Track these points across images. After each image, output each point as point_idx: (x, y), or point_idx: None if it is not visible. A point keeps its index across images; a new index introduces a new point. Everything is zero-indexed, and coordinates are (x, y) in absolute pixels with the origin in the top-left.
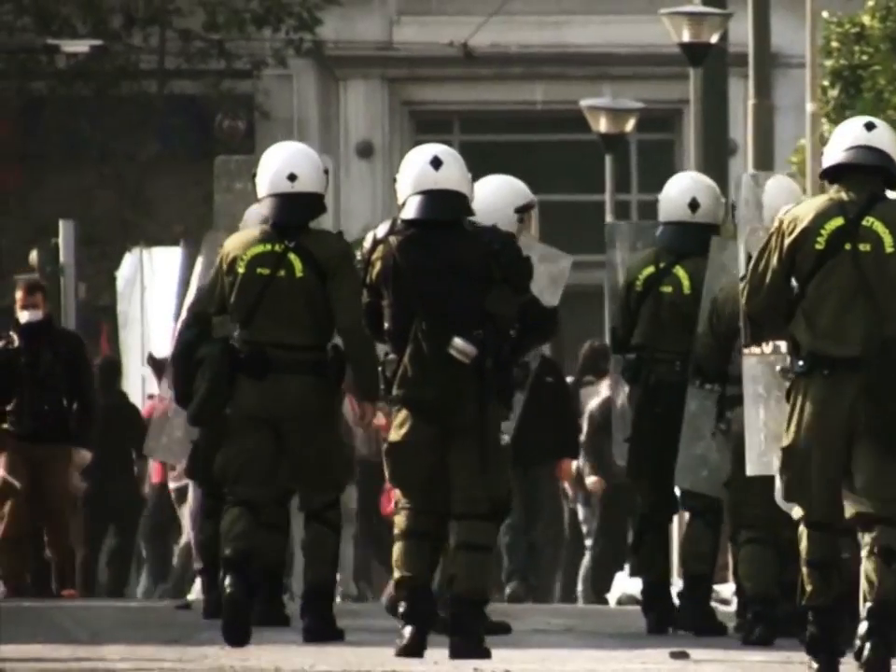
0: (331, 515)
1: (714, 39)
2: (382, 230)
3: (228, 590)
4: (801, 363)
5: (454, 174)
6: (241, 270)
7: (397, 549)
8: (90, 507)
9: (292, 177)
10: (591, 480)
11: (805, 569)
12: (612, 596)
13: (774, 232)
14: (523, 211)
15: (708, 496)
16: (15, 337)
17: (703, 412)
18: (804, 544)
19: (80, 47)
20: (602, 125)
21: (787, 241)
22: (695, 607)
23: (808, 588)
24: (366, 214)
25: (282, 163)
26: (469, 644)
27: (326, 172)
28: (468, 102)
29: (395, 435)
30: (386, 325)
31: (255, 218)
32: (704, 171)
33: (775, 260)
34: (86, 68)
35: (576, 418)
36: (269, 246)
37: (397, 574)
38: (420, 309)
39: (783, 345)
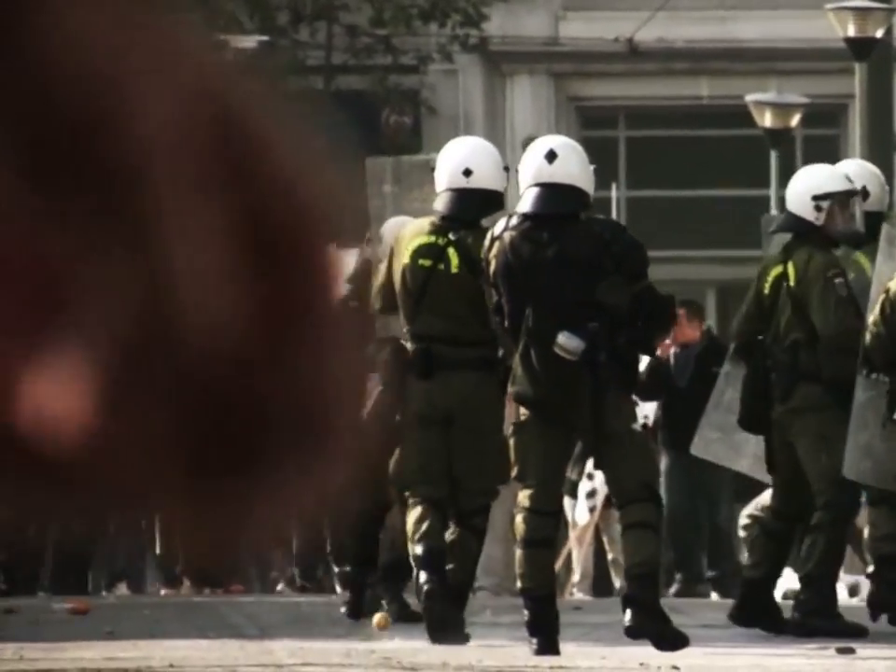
0: (478, 521)
1: (879, 34)
2: (499, 227)
3: (425, 587)
4: None
5: (569, 166)
6: (405, 260)
7: (518, 556)
8: None
9: (467, 172)
10: None
11: None
12: (777, 592)
13: None
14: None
15: None
16: None
17: (870, 402)
18: None
19: (247, 42)
20: (767, 120)
21: None
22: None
23: None
24: None
25: (459, 159)
26: (647, 617)
27: (506, 169)
28: (633, 97)
29: (515, 418)
30: (505, 322)
31: (392, 231)
32: None
33: None
34: (253, 64)
35: None
36: (433, 238)
37: (519, 583)
38: (530, 304)
39: None
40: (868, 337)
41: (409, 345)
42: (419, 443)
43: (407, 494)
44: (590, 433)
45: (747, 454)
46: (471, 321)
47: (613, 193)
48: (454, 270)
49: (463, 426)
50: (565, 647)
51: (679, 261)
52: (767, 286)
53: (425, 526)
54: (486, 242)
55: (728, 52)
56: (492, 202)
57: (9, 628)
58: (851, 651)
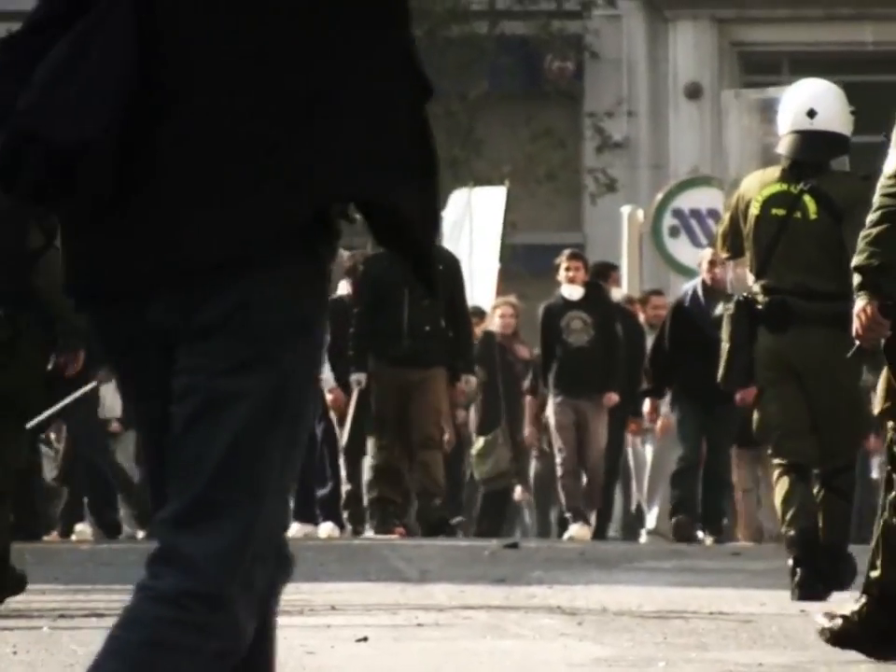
0: (841, 482)
1: None
2: None
3: (798, 576)
4: None
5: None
6: (755, 211)
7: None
8: None
9: (811, 113)
10: None
11: None
12: None
13: None
14: None
15: None
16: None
17: None
18: None
19: None
20: None
21: None
22: None
23: None
24: (694, 155)
25: (803, 99)
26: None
27: (854, 113)
28: (797, 42)
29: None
30: None
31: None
32: None
33: None
34: (417, 9)
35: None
36: (785, 186)
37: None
38: None
39: None
40: None
41: (760, 298)
42: (780, 396)
43: (771, 455)
44: None
45: None
46: (828, 272)
47: None
48: (811, 217)
49: (821, 386)
50: (723, 592)
51: None
52: None
53: (794, 507)
54: None
55: None
56: (836, 144)
57: None
58: None
